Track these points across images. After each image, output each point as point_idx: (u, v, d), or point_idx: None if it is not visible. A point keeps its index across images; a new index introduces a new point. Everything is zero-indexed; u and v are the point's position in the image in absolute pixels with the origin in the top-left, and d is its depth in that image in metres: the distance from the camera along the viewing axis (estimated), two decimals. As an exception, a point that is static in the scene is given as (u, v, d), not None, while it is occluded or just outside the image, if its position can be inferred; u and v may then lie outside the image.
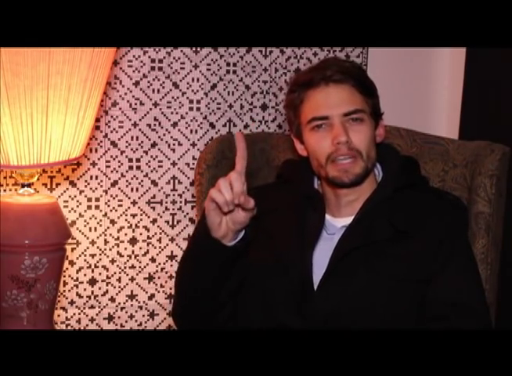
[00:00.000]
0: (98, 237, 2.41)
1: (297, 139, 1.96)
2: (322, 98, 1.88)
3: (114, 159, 2.40)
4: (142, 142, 2.42)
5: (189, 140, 2.46)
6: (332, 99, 1.87)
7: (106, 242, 2.42)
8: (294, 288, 1.83)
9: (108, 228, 2.41)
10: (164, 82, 2.42)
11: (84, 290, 2.41)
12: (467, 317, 1.80)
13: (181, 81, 2.44)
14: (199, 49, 2.44)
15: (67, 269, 2.37)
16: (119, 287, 2.44)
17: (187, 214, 2.47)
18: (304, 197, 1.94)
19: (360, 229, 1.86)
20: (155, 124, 2.43)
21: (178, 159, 2.46)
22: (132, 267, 2.45)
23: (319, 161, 1.89)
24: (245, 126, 2.51)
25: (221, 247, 1.77)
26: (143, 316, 2.47)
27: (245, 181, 1.73)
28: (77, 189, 2.38)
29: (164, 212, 2.46)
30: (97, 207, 2.40)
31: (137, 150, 2.42)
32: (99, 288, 2.42)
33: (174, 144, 2.45)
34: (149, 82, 2.41)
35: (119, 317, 2.45)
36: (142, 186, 2.43)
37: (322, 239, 1.88)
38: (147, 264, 2.46)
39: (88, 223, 2.39)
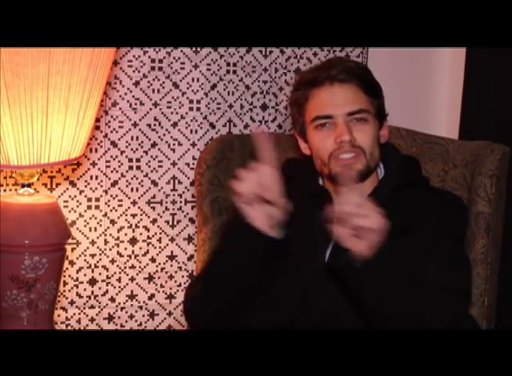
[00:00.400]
0: (98, 237, 2.41)
1: (300, 138, 1.95)
2: (327, 97, 1.88)
3: (114, 159, 2.40)
4: (142, 142, 2.42)
5: (189, 140, 2.46)
6: (336, 98, 1.87)
7: (106, 242, 2.42)
8: (306, 288, 1.83)
9: (108, 228, 2.41)
10: (164, 82, 2.42)
11: (84, 290, 2.41)
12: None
13: (181, 81, 2.44)
14: (199, 49, 2.44)
15: (67, 269, 2.37)
16: (119, 287, 2.44)
17: (187, 214, 2.47)
18: (311, 196, 1.93)
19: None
20: (155, 124, 2.43)
21: (178, 159, 2.45)
22: (132, 267, 2.45)
23: (322, 159, 1.88)
24: (245, 126, 2.51)
25: (266, 235, 1.76)
26: (143, 316, 2.47)
27: (274, 178, 1.74)
28: (77, 189, 2.38)
29: (164, 212, 2.46)
30: (97, 207, 2.40)
31: (137, 150, 2.42)
32: (99, 288, 2.42)
33: (174, 144, 2.45)
34: (149, 82, 2.41)
35: (119, 317, 2.45)
36: (142, 186, 2.43)
37: None
38: (147, 264, 2.46)
39: (88, 223, 2.39)
